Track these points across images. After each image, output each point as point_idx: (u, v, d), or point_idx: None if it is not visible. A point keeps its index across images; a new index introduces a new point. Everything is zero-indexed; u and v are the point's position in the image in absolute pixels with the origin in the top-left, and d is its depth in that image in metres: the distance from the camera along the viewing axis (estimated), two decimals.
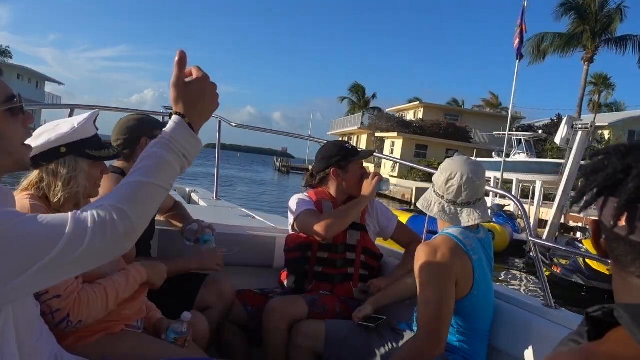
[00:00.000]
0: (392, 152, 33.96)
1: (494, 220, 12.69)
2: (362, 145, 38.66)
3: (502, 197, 17.29)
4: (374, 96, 55.59)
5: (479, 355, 1.85)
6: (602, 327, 0.60)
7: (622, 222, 0.63)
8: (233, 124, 3.58)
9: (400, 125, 34.13)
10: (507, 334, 1.86)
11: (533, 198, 17.22)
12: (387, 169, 32.21)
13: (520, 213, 13.65)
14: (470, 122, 34.67)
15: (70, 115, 2.69)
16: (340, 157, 2.28)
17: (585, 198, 0.69)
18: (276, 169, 59.27)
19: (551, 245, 2.32)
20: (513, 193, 15.54)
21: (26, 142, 1.06)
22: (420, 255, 1.68)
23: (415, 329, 1.95)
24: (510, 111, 19.72)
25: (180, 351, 1.62)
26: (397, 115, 37.49)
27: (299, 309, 2.06)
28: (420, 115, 36.47)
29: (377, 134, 35.58)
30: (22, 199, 1.42)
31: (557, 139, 14.42)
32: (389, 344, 1.92)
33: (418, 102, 38.31)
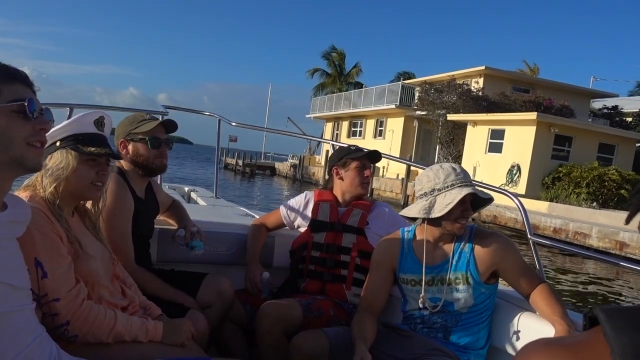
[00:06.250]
0: (502, 148, 19.41)
1: None
2: (398, 134, 27.06)
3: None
4: (355, 67, 41.55)
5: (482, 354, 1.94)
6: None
7: None
8: (233, 124, 3.50)
9: (473, 102, 22.11)
10: (506, 332, 1.90)
11: None
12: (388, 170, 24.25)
13: None
14: (545, 96, 22.74)
15: (70, 114, 2.82)
16: (342, 156, 2.44)
17: None
18: (225, 168, 37.27)
19: (552, 244, 2.30)
20: None
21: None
22: None
23: (411, 326, 2.00)
24: None
25: (180, 351, 1.68)
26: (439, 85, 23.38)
27: (293, 312, 2.10)
28: (479, 85, 23.67)
29: (451, 117, 21.91)
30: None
31: None
32: (394, 345, 1.95)
33: (484, 67, 23.95)
